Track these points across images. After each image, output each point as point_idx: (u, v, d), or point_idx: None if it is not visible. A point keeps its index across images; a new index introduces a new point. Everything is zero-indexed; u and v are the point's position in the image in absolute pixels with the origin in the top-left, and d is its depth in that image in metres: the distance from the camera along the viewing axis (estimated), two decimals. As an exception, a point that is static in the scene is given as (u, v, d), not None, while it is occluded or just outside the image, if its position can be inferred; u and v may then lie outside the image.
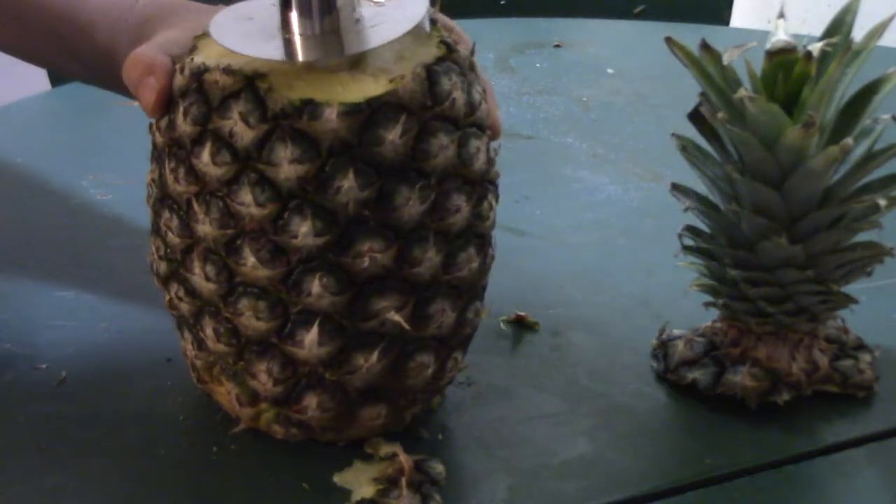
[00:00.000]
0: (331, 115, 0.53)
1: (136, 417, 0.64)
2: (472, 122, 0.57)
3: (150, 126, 0.60)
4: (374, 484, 0.58)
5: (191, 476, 0.60)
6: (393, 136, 0.53)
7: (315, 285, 0.54)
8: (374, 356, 0.57)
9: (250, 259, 0.55)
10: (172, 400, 0.65)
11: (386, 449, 0.60)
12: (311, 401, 0.58)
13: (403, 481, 0.57)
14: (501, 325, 0.73)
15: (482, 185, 0.58)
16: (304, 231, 0.54)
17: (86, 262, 0.81)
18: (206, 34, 0.58)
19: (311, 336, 0.55)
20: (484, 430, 0.64)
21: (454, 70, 0.56)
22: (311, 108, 0.53)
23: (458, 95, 0.56)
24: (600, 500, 0.59)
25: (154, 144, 0.59)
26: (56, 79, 1.23)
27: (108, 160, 0.96)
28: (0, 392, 0.66)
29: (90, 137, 1.04)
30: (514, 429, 0.64)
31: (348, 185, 0.53)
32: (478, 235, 0.58)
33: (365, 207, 0.54)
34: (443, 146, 0.55)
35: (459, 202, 0.56)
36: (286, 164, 0.53)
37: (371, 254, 0.54)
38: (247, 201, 0.54)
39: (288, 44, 0.57)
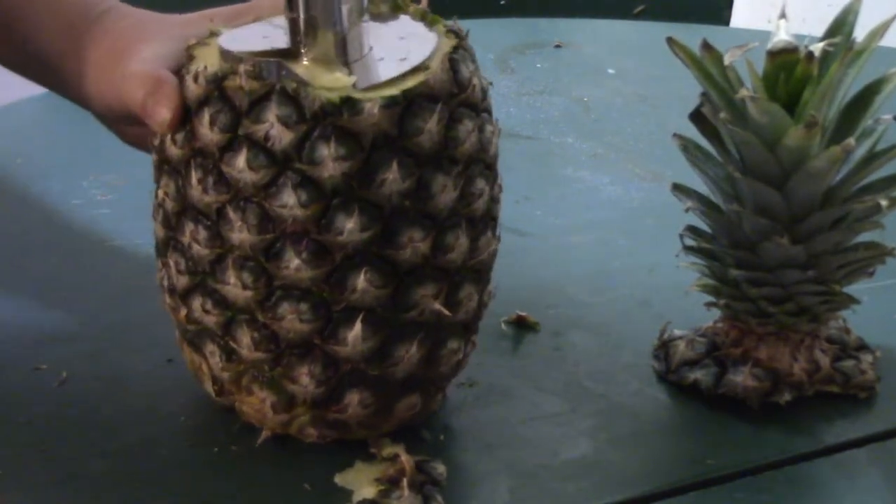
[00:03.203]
0: (373, 108, 0.53)
1: (136, 418, 0.64)
2: (485, 108, 0.58)
3: (154, 140, 0.59)
4: (375, 484, 0.58)
5: (192, 477, 0.60)
6: (430, 125, 0.54)
7: (360, 280, 0.55)
8: (414, 346, 0.57)
9: (294, 261, 0.55)
10: (173, 401, 0.65)
11: (388, 449, 0.60)
12: (352, 398, 0.58)
13: (405, 482, 0.57)
14: (502, 325, 0.73)
15: (494, 169, 0.59)
16: (350, 227, 0.54)
17: (86, 262, 0.81)
18: (199, 43, 0.58)
19: (355, 332, 0.56)
20: (485, 431, 0.64)
21: (469, 57, 0.57)
22: (350, 104, 0.53)
23: (477, 82, 0.57)
24: (601, 500, 0.59)
25: (166, 159, 0.58)
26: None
27: (108, 160, 0.96)
28: (1, 393, 0.66)
29: (90, 137, 1.03)
30: (516, 429, 0.64)
31: (392, 177, 0.54)
32: (492, 218, 0.60)
33: (406, 198, 0.54)
34: (469, 132, 0.56)
35: (482, 186, 0.57)
36: (330, 162, 0.53)
37: (412, 244, 0.55)
38: (289, 203, 0.54)
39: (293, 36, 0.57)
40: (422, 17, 0.60)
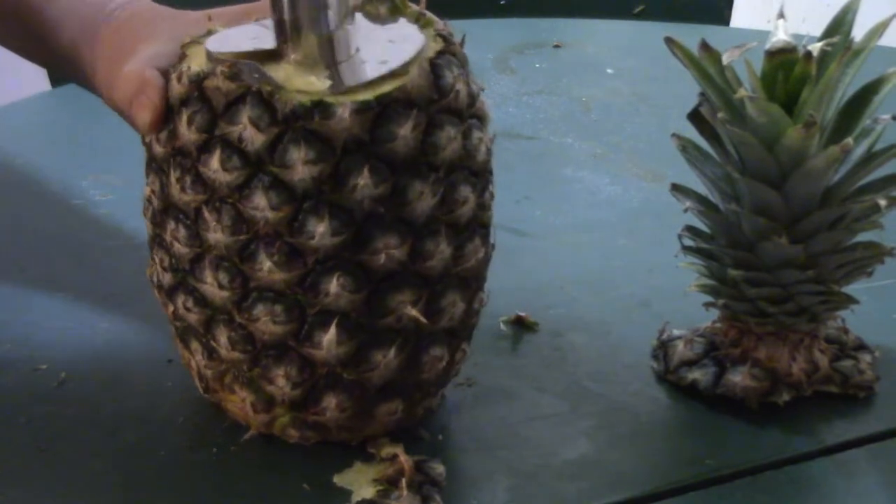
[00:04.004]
0: (344, 113, 0.53)
1: (135, 418, 0.64)
2: (473, 114, 0.58)
3: (144, 137, 0.59)
4: (374, 485, 0.58)
5: (191, 477, 0.60)
6: (405, 131, 0.54)
7: (333, 285, 0.55)
8: (392, 352, 0.57)
9: (266, 263, 0.55)
10: (172, 401, 0.65)
11: (387, 450, 0.60)
12: (329, 401, 0.58)
13: (404, 482, 0.57)
14: (502, 325, 0.73)
15: (484, 176, 0.59)
16: (321, 231, 0.54)
17: (86, 262, 0.81)
18: (193, 41, 0.58)
19: (330, 336, 0.55)
20: (484, 431, 0.64)
21: (454, 63, 0.56)
22: (322, 107, 0.53)
23: (461, 88, 0.56)
24: (601, 500, 0.59)
25: (152, 156, 0.58)
26: (56, 79, 1.23)
27: (108, 160, 0.96)
28: (1, 393, 0.66)
29: (90, 137, 1.04)
30: (515, 429, 0.64)
31: (363, 182, 0.53)
32: (482, 226, 0.59)
33: (379, 204, 0.54)
34: (450, 138, 0.55)
35: (466, 193, 0.57)
36: (301, 166, 0.53)
37: (387, 250, 0.55)
38: (261, 205, 0.54)
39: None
40: (416, 20, 0.59)
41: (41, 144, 1.03)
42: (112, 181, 0.92)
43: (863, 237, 0.62)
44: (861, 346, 0.68)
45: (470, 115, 0.57)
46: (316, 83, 0.54)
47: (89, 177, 0.93)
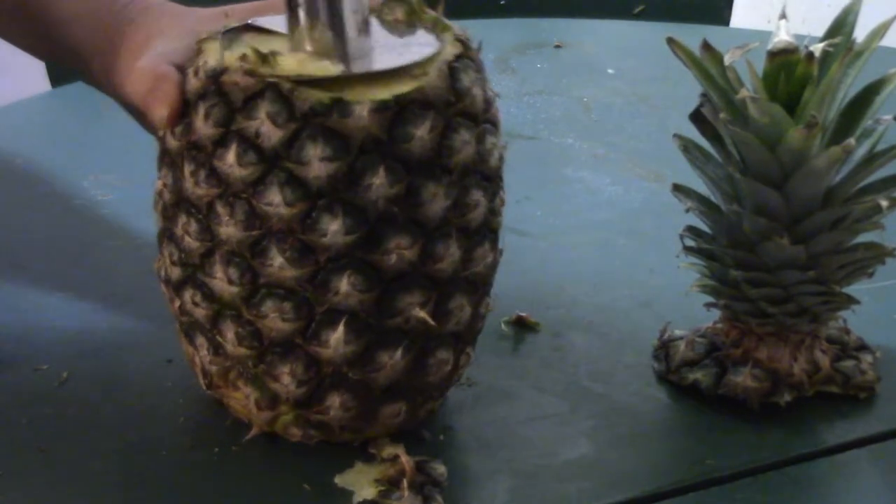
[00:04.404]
0: (362, 111, 0.53)
1: (136, 418, 0.64)
2: (488, 119, 0.58)
3: (158, 131, 0.59)
4: (375, 485, 0.58)
5: (192, 477, 0.60)
6: (421, 132, 0.54)
7: (344, 284, 0.54)
8: (398, 353, 0.57)
9: (277, 259, 0.54)
10: (173, 401, 0.65)
11: (388, 450, 0.60)
12: (333, 401, 0.58)
13: (405, 482, 0.57)
14: (502, 325, 0.73)
15: (495, 181, 0.59)
16: (334, 229, 0.54)
17: (86, 262, 0.81)
18: (209, 38, 0.58)
19: (337, 335, 0.55)
20: (485, 431, 0.64)
21: (471, 67, 0.57)
22: (340, 105, 0.53)
23: (478, 92, 0.56)
24: (601, 500, 0.59)
25: (166, 150, 0.58)
26: (56, 79, 1.23)
27: (109, 160, 0.96)
28: (1, 393, 0.66)
29: (90, 137, 1.04)
30: (516, 429, 0.64)
31: (379, 181, 0.53)
32: (491, 231, 0.59)
33: (393, 204, 0.54)
34: (465, 142, 0.55)
35: (478, 197, 0.57)
36: (317, 163, 0.53)
37: (398, 250, 0.55)
38: (275, 201, 0.54)
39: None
40: (433, 24, 0.59)
41: (41, 144, 1.03)
42: (112, 181, 0.92)
43: (864, 238, 0.62)
44: (862, 347, 0.68)
45: (484, 119, 0.57)
46: (329, 68, 0.55)
47: (90, 177, 0.93)
